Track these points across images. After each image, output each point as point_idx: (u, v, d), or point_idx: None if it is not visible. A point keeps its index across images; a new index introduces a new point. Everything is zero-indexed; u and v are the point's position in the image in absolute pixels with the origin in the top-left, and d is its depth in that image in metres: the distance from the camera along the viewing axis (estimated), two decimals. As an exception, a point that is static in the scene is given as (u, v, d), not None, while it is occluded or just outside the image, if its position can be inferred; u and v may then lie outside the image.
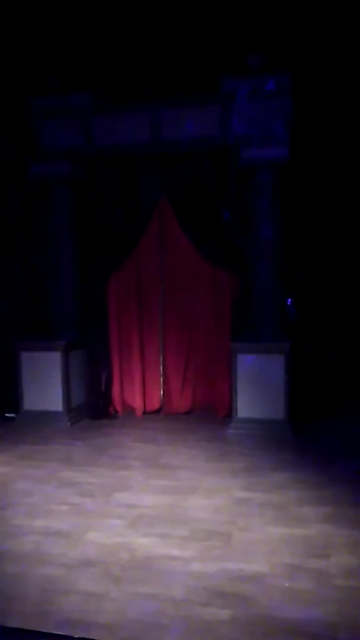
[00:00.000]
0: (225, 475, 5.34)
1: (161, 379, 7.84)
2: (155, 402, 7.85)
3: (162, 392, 7.84)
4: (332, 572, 3.56)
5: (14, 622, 3.12)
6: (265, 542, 3.98)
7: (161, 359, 7.82)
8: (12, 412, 7.47)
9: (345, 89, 7.03)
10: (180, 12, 6.39)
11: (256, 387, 6.65)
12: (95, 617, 3.16)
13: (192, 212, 7.32)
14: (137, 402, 7.79)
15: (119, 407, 7.86)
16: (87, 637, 2.97)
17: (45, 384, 7.28)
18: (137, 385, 7.79)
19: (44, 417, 7.22)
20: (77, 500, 4.80)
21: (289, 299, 7.30)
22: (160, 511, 4.55)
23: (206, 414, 7.59)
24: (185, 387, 7.74)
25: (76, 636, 2.97)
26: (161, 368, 7.83)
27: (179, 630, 3.03)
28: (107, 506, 4.69)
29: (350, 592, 3.35)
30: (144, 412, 7.78)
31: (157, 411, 7.82)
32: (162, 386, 7.84)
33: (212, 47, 6.75)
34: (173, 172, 7.33)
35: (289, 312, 7.31)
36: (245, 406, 6.70)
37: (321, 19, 6.53)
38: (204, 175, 7.22)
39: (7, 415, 7.49)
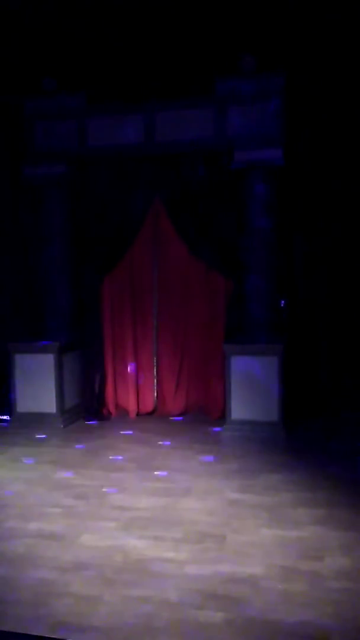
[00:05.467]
0: (219, 477, 5.34)
1: (155, 381, 7.83)
2: (148, 404, 7.84)
3: (155, 394, 7.83)
4: (326, 574, 3.57)
5: (7, 626, 3.11)
6: (259, 544, 3.98)
7: (155, 360, 7.82)
8: (5, 414, 7.44)
9: (339, 89, 7.05)
10: (175, 14, 6.39)
11: (250, 389, 6.66)
12: (89, 620, 3.15)
13: (186, 214, 7.32)
14: (130, 404, 7.77)
15: (112, 409, 7.84)
16: (81, 640, 2.96)
17: (39, 386, 7.26)
18: (131, 387, 7.77)
19: (38, 419, 7.19)
20: (70, 503, 4.78)
21: (283, 301, 7.31)
22: (154, 513, 4.54)
23: (200, 415, 7.58)
24: (178, 389, 7.73)
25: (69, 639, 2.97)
26: (155, 370, 7.83)
27: (173, 633, 3.03)
28: (100, 508, 4.67)
29: (344, 594, 3.36)
30: (138, 414, 7.76)
31: (151, 413, 7.81)
32: (155, 388, 7.83)
33: (206, 49, 6.75)
34: (167, 173, 7.33)
35: (283, 313, 7.32)
36: (239, 408, 6.70)
37: (315, 20, 6.54)
38: (198, 177, 7.23)
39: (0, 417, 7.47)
